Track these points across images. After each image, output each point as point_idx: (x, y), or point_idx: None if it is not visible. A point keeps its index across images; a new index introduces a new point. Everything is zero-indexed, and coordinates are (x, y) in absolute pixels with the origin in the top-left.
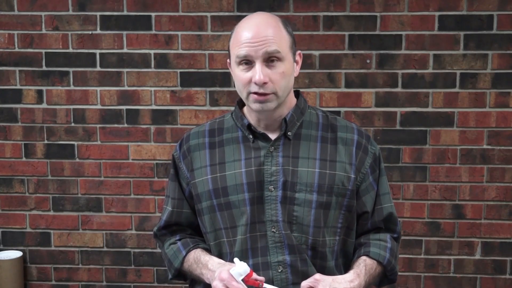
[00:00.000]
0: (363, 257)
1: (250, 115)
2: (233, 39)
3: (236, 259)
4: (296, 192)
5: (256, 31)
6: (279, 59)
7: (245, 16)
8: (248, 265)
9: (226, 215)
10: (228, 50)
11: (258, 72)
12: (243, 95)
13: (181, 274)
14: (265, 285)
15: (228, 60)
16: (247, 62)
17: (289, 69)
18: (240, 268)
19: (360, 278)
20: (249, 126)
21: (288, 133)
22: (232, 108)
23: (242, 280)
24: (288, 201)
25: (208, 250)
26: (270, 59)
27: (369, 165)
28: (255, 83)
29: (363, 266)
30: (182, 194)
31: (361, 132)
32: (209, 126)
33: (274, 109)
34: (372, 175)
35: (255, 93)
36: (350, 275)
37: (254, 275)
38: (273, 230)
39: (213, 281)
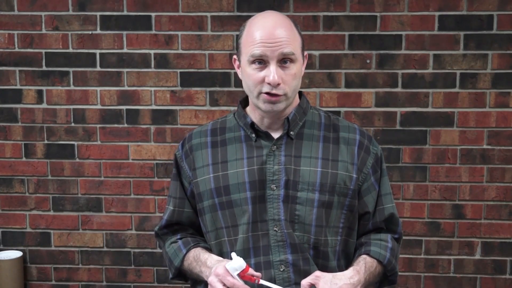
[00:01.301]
0: (363, 256)
1: (253, 114)
2: (245, 37)
3: (233, 254)
4: (298, 191)
5: (271, 31)
6: (292, 60)
7: (245, 16)
8: (250, 264)
9: (227, 214)
10: (238, 47)
11: (273, 73)
12: (253, 94)
13: (182, 274)
14: (261, 281)
15: (234, 57)
16: (260, 61)
17: (299, 70)
18: (236, 263)
19: (360, 275)
20: (252, 124)
21: (291, 132)
22: (233, 108)
23: (238, 275)
24: (290, 200)
25: (209, 249)
26: (283, 60)
27: (371, 165)
28: (269, 84)
29: (363, 264)
30: (183, 194)
31: (363, 133)
32: (211, 125)
33: (283, 109)
34: (373, 176)
35: (267, 93)
36: (349, 271)
37: (251, 271)
38: (275, 229)
39: (209, 277)
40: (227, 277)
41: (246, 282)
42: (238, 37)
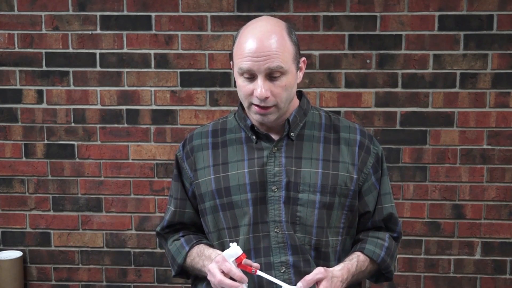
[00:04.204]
0: (357, 253)
1: (253, 116)
2: (236, 47)
3: (231, 243)
4: (299, 192)
5: (259, 44)
6: (281, 73)
7: (245, 16)
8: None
9: (228, 215)
10: (232, 53)
11: (260, 87)
12: (244, 104)
13: (184, 271)
14: (259, 272)
15: (231, 62)
16: (249, 75)
17: (291, 81)
18: (232, 250)
19: (349, 273)
20: (252, 127)
21: (291, 133)
22: (233, 108)
23: (235, 263)
24: (292, 202)
25: (212, 246)
26: (272, 74)
27: (372, 165)
28: (257, 97)
29: (355, 262)
30: (185, 194)
31: (364, 133)
32: (212, 126)
33: (275, 119)
34: (374, 175)
35: (257, 105)
36: (340, 267)
37: (248, 261)
38: (276, 230)
39: (210, 264)
40: (225, 263)
41: (245, 273)
42: (232, 43)
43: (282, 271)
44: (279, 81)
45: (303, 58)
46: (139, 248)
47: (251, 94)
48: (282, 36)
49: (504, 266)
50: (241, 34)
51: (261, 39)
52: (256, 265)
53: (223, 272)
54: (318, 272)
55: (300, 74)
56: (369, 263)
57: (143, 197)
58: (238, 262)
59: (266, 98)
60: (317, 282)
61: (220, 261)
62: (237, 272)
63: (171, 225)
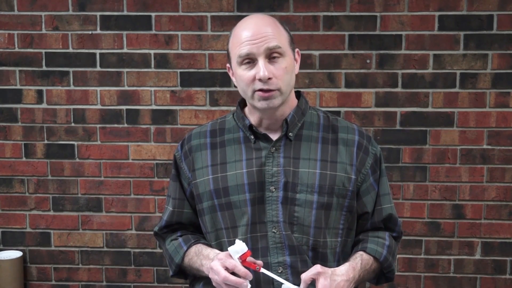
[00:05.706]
0: (360, 252)
1: (251, 116)
2: (232, 41)
3: (237, 239)
4: (297, 193)
5: (255, 29)
6: (280, 54)
7: (245, 16)
8: None
9: (227, 215)
10: (228, 53)
11: (262, 68)
12: (247, 95)
13: (182, 271)
14: (262, 270)
15: (227, 65)
16: (249, 60)
17: (291, 64)
18: (238, 246)
19: (355, 271)
20: (251, 126)
21: (289, 134)
22: (232, 108)
23: (240, 259)
24: (289, 202)
25: (210, 246)
26: (272, 55)
27: (370, 166)
28: (260, 80)
29: (359, 260)
30: (183, 194)
31: (362, 133)
32: (210, 126)
33: (278, 106)
34: (372, 176)
35: (260, 90)
36: (346, 267)
37: (252, 259)
38: (273, 230)
39: (212, 262)
40: (229, 260)
41: (248, 269)
42: (227, 45)
43: (279, 271)
44: (280, 63)
45: (297, 49)
46: (139, 248)
47: (253, 79)
48: (275, 24)
49: (504, 266)
50: (235, 30)
51: (256, 25)
52: (260, 262)
53: (226, 269)
54: (314, 268)
55: (297, 66)
56: (373, 262)
57: (143, 197)
58: (243, 259)
59: (269, 79)
60: (316, 280)
61: (223, 258)
62: (242, 269)
63: (169, 225)
